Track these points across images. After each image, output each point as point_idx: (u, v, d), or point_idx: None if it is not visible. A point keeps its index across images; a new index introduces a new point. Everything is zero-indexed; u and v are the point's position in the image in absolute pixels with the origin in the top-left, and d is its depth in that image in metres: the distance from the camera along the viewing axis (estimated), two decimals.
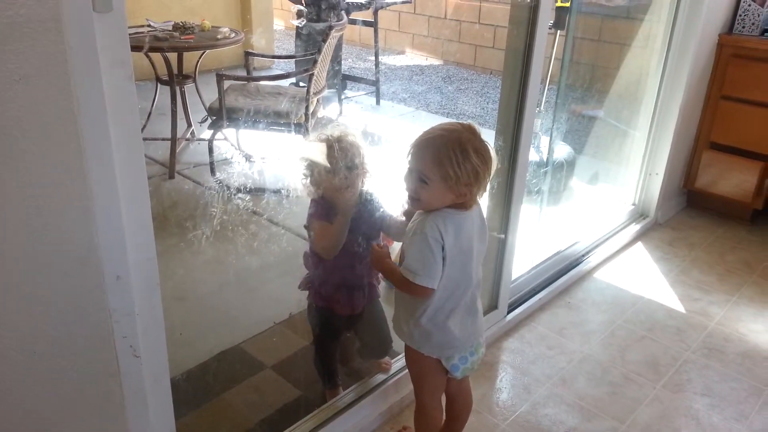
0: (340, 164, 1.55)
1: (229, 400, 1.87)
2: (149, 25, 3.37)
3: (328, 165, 1.56)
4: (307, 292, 1.74)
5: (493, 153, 1.39)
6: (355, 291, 1.69)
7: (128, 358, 1.12)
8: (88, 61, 0.91)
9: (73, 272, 1.00)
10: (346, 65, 5.65)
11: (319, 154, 1.58)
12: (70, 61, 0.89)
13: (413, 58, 6.62)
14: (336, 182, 1.57)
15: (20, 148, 0.89)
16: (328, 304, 1.70)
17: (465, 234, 1.40)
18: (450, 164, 1.31)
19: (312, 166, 1.59)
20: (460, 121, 1.41)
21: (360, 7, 4.82)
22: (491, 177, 1.40)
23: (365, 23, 5.23)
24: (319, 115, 3.53)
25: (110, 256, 1.03)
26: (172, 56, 3.39)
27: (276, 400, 1.86)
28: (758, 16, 2.80)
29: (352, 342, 1.91)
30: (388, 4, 5.45)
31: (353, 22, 5.13)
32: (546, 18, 1.82)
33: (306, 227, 1.65)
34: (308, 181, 1.59)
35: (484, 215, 1.49)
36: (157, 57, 3.37)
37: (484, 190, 1.41)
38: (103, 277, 1.03)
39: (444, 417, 1.65)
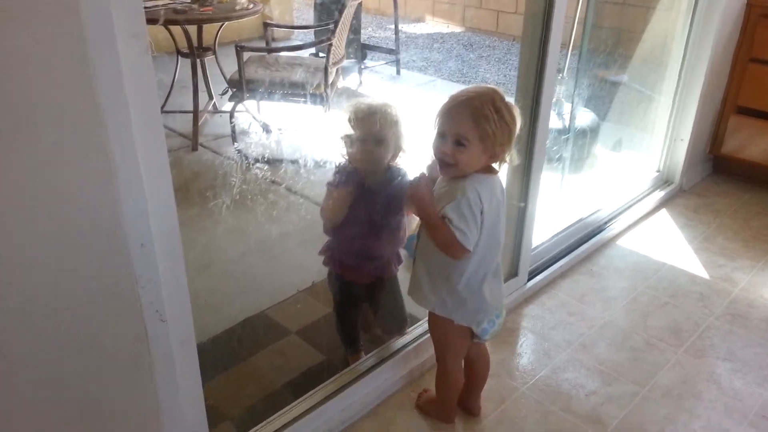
0: (360, 133, 1.56)
1: (255, 363, 1.92)
2: None
3: (354, 131, 1.57)
4: (323, 258, 1.76)
5: (518, 113, 1.39)
6: (367, 261, 1.71)
7: (155, 323, 1.16)
8: (103, 34, 0.92)
9: (98, 242, 1.03)
10: (366, 35, 5.60)
11: (347, 120, 1.59)
12: (86, 33, 0.90)
13: (434, 25, 6.52)
14: (354, 149, 1.58)
15: (41, 123, 0.91)
16: (341, 271, 1.73)
17: (495, 198, 1.42)
18: (488, 123, 1.32)
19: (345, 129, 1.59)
20: (485, 84, 1.41)
21: None
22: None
23: None
24: (339, 85, 3.52)
25: (134, 225, 1.05)
26: (192, 29, 3.40)
27: (300, 363, 1.92)
28: None
29: (373, 310, 1.94)
30: None
31: None
32: None
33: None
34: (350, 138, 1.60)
35: (504, 182, 1.50)
36: (176, 30, 3.38)
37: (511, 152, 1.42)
38: (128, 246, 1.06)
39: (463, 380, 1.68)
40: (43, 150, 0.93)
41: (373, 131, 1.55)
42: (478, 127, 1.33)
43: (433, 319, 1.57)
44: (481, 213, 1.38)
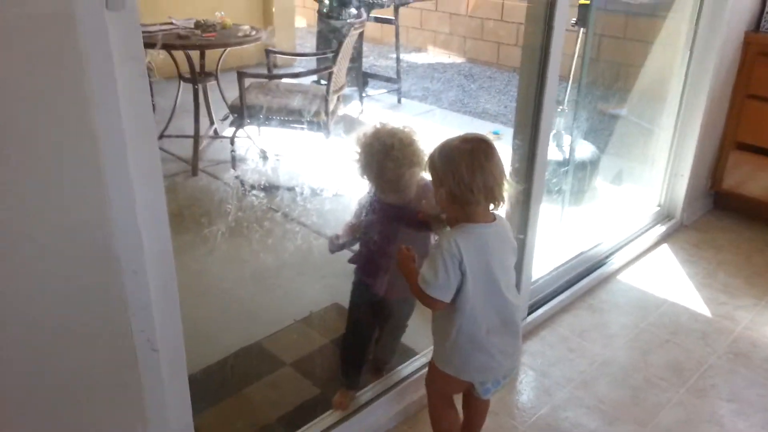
0: (396, 156, 1.54)
1: (248, 396, 1.87)
2: (171, 23, 3.40)
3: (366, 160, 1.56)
4: (354, 267, 1.72)
5: (492, 164, 1.36)
6: (395, 277, 1.65)
7: (146, 352, 1.12)
8: (101, 57, 0.91)
9: (90, 266, 1.01)
10: (368, 63, 5.64)
11: (376, 141, 1.57)
12: (83, 57, 0.89)
13: (435, 55, 6.59)
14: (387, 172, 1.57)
15: (35, 144, 0.90)
16: (372, 282, 1.69)
17: (490, 248, 1.39)
18: (432, 165, 1.40)
19: (367, 149, 1.57)
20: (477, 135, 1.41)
21: (380, 5, 4.81)
22: (497, 187, 1.37)
23: (386, 21, 5.22)
24: (340, 113, 3.52)
25: (127, 250, 1.03)
26: (194, 54, 3.41)
27: (295, 397, 1.87)
28: None
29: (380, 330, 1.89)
30: (409, 2, 5.43)
31: (373, 19, 5.12)
32: (563, 14, 1.79)
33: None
34: (360, 164, 1.59)
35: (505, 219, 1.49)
36: (179, 54, 3.39)
37: (495, 201, 1.38)
38: (120, 271, 1.03)
39: (461, 416, 1.64)
40: (35, 173, 0.91)
41: (382, 160, 1.54)
42: (430, 171, 1.42)
43: (433, 374, 1.55)
44: (461, 263, 1.35)
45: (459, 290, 1.38)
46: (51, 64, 0.88)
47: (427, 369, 1.59)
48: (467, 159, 1.34)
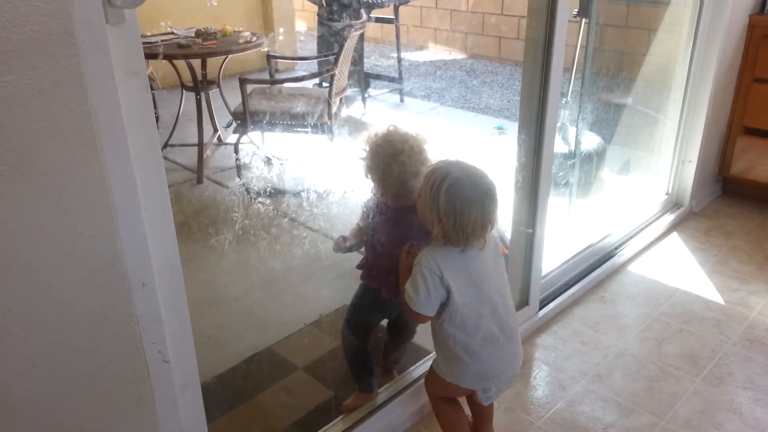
0: (404, 161, 1.52)
1: (262, 402, 1.88)
2: (172, 33, 3.41)
3: (376, 164, 1.55)
4: (361, 272, 1.72)
5: (493, 213, 1.36)
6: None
7: (157, 364, 1.13)
8: (103, 73, 0.91)
9: (98, 281, 1.01)
10: (369, 63, 5.63)
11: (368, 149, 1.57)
12: (85, 73, 0.90)
13: (436, 53, 6.57)
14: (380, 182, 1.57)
15: (40, 162, 0.90)
16: (377, 285, 1.68)
17: (469, 267, 1.40)
18: (434, 195, 1.36)
19: (376, 149, 1.55)
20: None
21: (380, 5, 4.80)
22: (489, 229, 1.38)
23: (386, 20, 5.21)
24: (343, 115, 3.52)
25: (135, 263, 1.03)
26: (196, 62, 3.43)
27: (308, 401, 1.87)
28: None
29: (391, 330, 1.89)
30: (408, 1, 5.42)
31: (374, 20, 5.12)
32: (565, 5, 1.78)
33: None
34: (365, 164, 1.58)
35: (510, 210, 1.49)
36: (180, 64, 3.40)
37: (483, 238, 1.38)
38: (128, 285, 1.04)
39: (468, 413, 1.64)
40: (40, 189, 0.91)
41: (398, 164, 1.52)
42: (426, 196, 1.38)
43: (433, 380, 1.57)
44: (441, 278, 1.36)
45: (447, 302, 1.39)
46: (54, 82, 0.88)
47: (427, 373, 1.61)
48: (474, 212, 1.33)
